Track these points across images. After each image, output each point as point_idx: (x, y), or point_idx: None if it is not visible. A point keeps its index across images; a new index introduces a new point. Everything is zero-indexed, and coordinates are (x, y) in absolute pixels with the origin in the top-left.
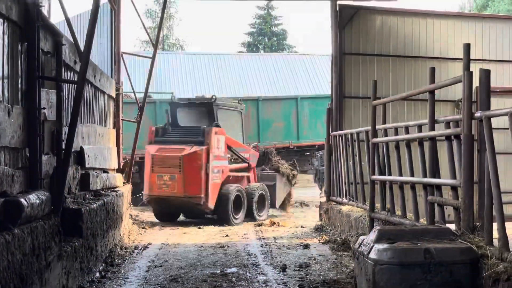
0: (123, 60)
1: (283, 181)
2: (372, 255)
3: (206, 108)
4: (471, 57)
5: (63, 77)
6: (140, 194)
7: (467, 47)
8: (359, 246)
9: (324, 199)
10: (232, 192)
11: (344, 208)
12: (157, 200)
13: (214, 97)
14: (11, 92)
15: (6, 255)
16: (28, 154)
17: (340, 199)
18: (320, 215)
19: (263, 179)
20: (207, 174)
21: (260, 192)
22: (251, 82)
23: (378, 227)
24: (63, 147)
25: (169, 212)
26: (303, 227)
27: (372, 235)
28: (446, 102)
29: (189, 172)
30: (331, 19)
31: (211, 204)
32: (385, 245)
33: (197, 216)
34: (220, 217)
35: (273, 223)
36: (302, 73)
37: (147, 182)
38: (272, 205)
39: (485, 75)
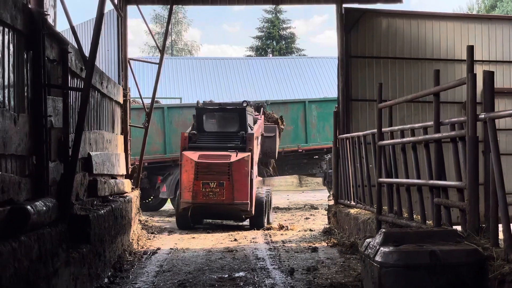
0: (130, 66)
1: (278, 133)
2: (378, 258)
3: (238, 114)
4: (477, 58)
5: (69, 85)
6: (150, 200)
7: (470, 49)
8: (365, 249)
9: (332, 202)
10: (263, 196)
11: (352, 211)
12: (200, 207)
13: (245, 102)
14: (17, 100)
15: (13, 262)
16: (35, 162)
17: (348, 202)
18: (329, 218)
19: (264, 131)
20: (251, 180)
21: (271, 195)
22: (259, 86)
23: (383, 230)
24: (70, 154)
25: (203, 219)
26: (312, 231)
27: (378, 238)
28: (454, 104)
29: (237, 179)
30: (336, 22)
31: (253, 210)
32: (390, 248)
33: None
34: (254, 221)
35: (281, 227)
36: (310, 76)
37: (187, 190)
38: (272, 157)
39: (489, 76)
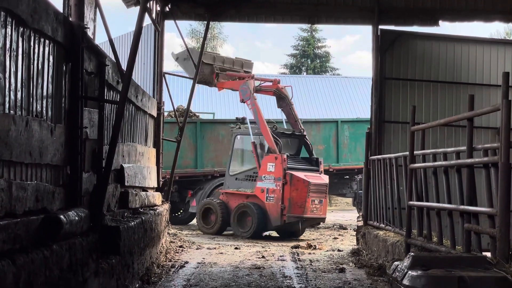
0: (165, 80)
1: None
2: (406, 281)
3: (299, 140)
4: None
5: (105, 97)
6: (179, 213)
7: (506, 76)
8: (393, 272)
9: (361, 222)
10: None
11: (381, 233)
12: (304, 220)
13: (303, 130)
14: (55, 111)
15: (44, 271)
16: (69, 172)
17: (377, 224)
18: (357, 239)
19: None
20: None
21: None
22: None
23: (412, 253)
24: (104, 165)
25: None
26: (340, 251)
27: (406, 261)
28: (487, 129)
29: (327, 196)
30: (372, 43)
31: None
32: (419, 272)
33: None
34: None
35: (309, 246)
36: (344, 96)
37: (298, 206)
38: None
39: None
